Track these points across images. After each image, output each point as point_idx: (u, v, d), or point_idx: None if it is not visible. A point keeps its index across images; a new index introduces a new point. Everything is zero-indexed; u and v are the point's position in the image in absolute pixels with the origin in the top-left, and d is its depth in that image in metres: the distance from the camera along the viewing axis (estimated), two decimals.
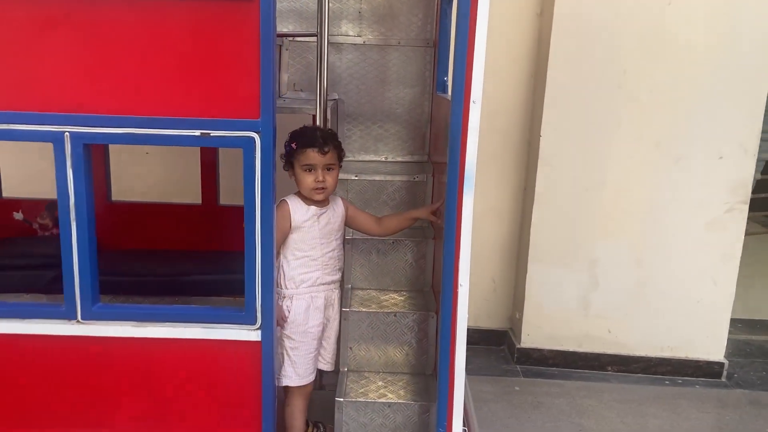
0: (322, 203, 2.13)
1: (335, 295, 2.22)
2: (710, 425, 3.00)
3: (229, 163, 2.99)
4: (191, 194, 3.13)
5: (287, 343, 2.13)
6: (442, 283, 1.77)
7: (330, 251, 2.15)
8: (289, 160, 2.10)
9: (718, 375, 3.40)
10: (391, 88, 2.83)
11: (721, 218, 3.27)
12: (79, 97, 1.69)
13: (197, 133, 1.71)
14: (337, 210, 2.18)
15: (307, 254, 2.11)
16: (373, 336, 2.29)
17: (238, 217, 1.79)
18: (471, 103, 1.59)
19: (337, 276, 2.22)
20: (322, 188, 2.07)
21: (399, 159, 2.88)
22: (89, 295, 1.76)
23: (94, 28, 1.66)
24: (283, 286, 2.12)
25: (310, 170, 2.06)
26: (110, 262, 2.79)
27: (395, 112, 2.85)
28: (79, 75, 1.68)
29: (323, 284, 2.15)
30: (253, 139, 1.72)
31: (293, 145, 2.06)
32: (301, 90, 2.82)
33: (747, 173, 3.23)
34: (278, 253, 2.09)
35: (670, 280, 3.35)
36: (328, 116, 2.36)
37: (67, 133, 1.69)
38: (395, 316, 2.28)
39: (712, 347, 3.40)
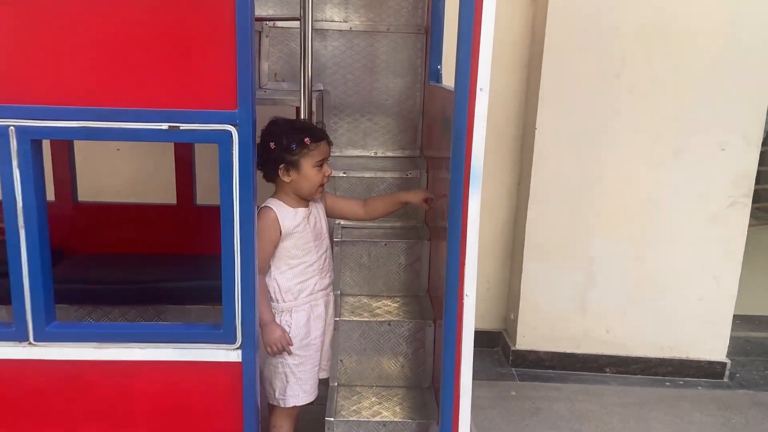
0: (305, 202, 1.95)
1: (331, 298, 2.05)
2: (716, 429, 2.88)
3: (206, 159, 2.77)
4: (165, 193, 2.91)
5: (291, 360, 1.91)
6: (446, 293, 1.59)
7: (324, 252, 1.98)
8: (291, 160, 1.85)
9: (720, 375, 3.30)
10: (380, 77, 2.67)
11: (724, 212, 3.17)
12: (26, 85, 1.47)
13: (165, 126, 1.50)
14: (318, 205, 2.01)
15: (302, 261, 1.91)
16: (365, 347, 2.12)
17: (216, 218, 1.60)
18: (478, 91, 1.41)
19: (331, 278, 2.05)
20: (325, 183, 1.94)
21: (389, 154, 2.73)
22: (42, 313, 1.54)
23: (42, 5, 1.44)
24: (280, 300, 1.91)
25: (320, 166, 1.88)
26: (77, 268, 2.59)
27: (385, 104, 2.69)
28: (25, 60, 1.46)
29: (321, 290, 1.98)
30: (229, 132, 1.52)
31: (306, 141, 1.84)
32: (283, 80, 2.64)
33: (750, 165, 3.12)
34: (268, 267, 1.91)
35: (671, 278, 3.23)
36: (313, 108, 2.18)
37: (11, 128, 1.47)
38: (389, 325, 2.11)
39: (714, 346, 3.29)
